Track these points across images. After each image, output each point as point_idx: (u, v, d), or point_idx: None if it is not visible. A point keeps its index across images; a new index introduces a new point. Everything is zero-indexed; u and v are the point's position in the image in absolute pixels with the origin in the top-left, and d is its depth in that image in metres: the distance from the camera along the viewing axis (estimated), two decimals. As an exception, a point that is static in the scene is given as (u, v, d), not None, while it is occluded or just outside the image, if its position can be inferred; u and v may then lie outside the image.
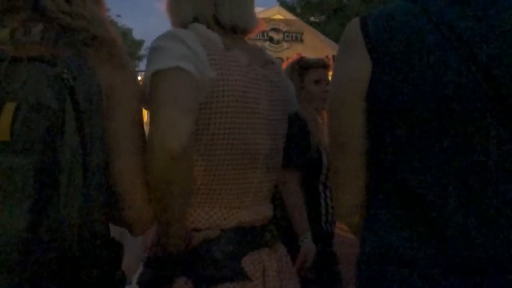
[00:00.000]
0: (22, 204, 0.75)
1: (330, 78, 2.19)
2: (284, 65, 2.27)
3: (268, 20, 12.59)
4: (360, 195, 0.94)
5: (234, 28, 1.13)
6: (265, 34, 12.51)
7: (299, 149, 2.04)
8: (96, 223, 0.84)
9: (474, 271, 0.79)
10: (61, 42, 0.83)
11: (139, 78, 1.00)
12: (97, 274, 0.84)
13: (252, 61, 1.11)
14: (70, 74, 0.80)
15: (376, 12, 0.92)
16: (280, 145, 1.20)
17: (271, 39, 12.54)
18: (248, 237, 1.09)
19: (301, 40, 12.88)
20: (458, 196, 0.81)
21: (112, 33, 0.91)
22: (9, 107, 0.76)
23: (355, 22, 0.92)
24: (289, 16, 13.97)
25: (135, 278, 1.18)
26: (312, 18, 20.62)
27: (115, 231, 0.95)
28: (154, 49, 1.01)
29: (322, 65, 2.31)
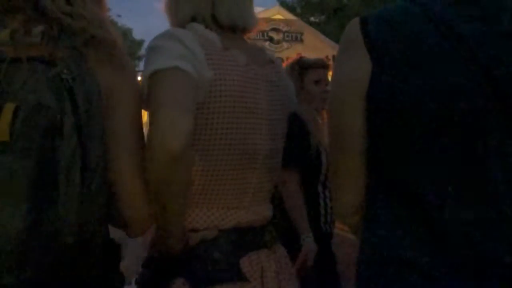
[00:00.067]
0: (21, 205, 0.75)
1: (330, 78, 2.19)
2: (284, 65, 2.27)
3: (268, 20, 12.58)
4: (360, 195, 0.94)
5: (233, 27, 1.13)
6: (265, 34, 12.50)
7: (299, 149, 2.04)
8: (96, 224, 0.84)
9: (474, 271, 0.79)
10: (61, 43, 0.83)
11: (139, 78, 1.00)
12: (96, 275, 0.84)
13: (251, 61, 1.11)
14: (70, 74, 0.80)
15: (376, 12, 0.92)
16: (280, 145, 1.19)
17: (271, 39, 12.53)
18: (246, 238, 1.09)
19: (301, 40, 12.88)
20: (458, 196, 0.81)
21: (112, 33, 0.91)
22: (9, 107, 0.76)
23: (355, 22, 0.92)
24: (289, 16, 13.97)
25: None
26: (312, 18, 20.61)
27: (117, 231, 0.95)
28: (152, 49, 1.01)
29: (321, 65, 2.31)
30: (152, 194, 0.93)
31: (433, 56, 0.81)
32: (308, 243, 2.00)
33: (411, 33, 0.84)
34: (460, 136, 0.80)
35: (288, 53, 10.70)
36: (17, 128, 0.76)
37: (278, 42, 12.71)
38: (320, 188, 2.15)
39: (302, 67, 2.25)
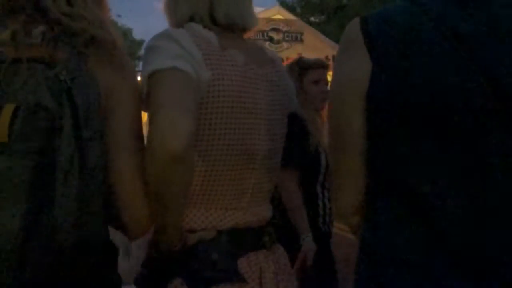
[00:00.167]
0: (19, 205, 0.75)
1: (329, 78, 2.20)
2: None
3: (268, 20, 12.57)
4: (360, 195, 0.94)
5: (231, 26, 1.12)
6: (265, 34, 12.49)
7: (299, 149, 2.04)
8: (95, 224, 0.84)
9: (474, 271, 0.78)
10: (61, 44, 0.83)
11: (139, 78, 1.00)
12: (95, 276, 0.84)
13: (250, 61, 1.10)
14: (68, 75, 0.80)
15: (376, 12, 0.92)
16: (279, 146, 1.19)
17: (271, 39, 12.52)
18: (245, 239, 1.08)
19: (301, 40, 12.87)
20: (458, 196, 0.81)
21: (112, 34, 0.91)
22: (8, 108, 0.76)
23: (355, 22, 0.91)
24: (289, 16, 13.95)
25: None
26: (312, 18, 20.60)
27: (117, 234, 0.95)
28: (150, 49, 1.01)
29: (321, 65, 2.31)
30: (152, 194, 0.93)
31: (433, 56, 0.81)
32: (308, 243, 2.01)
33: (411, 33, 0.84)
34: (460, 136, 0.80)
35: (288, 53, 10.70)
36: (16, 129, 0.76)
37: (278, 42, 12.70)
38: (319, 189, 2.15)
39: (301, 67, 2.25)
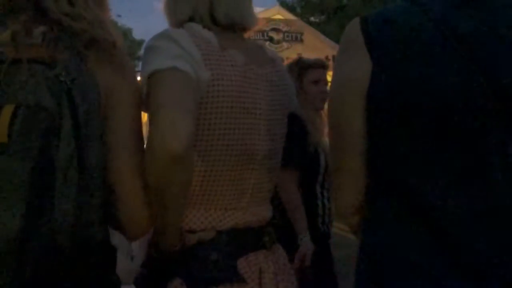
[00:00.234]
0: (19, 205, 0.75)
1: (329, 78, 2.20)
2: (283, 66, 2.27)
3: (268, 20, 12.57)
4: (360, 195, 0.94)
5: (231, 26, 1.12)
6: (265, 34, 12.49)
7: (299, 149, 2.04)
8: (95, 224, 0.84)
9: (474, 271, 0.78)
10: (61, 44, 0.83)
11: (139, 78, 1.00)
12: (95, 276, 0.84)
13: (250, 61, 1.10)
14: (68, 76, 0.80)
15: (376, 12, 0.92)
16: (279, 146, 1.18)
17: (271, 39, 12.51)
18: (244, 239, 1.08)
19: (301, 40, 12.87)
20: (458, 196, 0.81)
21: (113, 35, 0.91)
22: (8, 109, 0.76)
23: (356, 22, 0.92)
24: (289, 16, 13.95)
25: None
26: (312, 18, 20.59)
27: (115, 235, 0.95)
28: (149, 49, 1.01)
29: (321, 65, 2.31)
30: (152, 194, 0.93)
31: (433, 56, 0.81)
32: (306, 243, 2.00)
33: (411, 33, 0.84)
34: (460, 136, 0.80)
35: (288, 53, 10.69)
36: (16, 129, 0.76)
37: (278, 42, 12.70)
38: (318, 189, 2.15)
39: (301, 67, 2.25)
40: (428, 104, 0.81)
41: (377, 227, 0.88)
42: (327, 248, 2.21)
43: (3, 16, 0.85)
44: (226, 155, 1.05)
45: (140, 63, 1.08)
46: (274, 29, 12.79)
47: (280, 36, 12.83)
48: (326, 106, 1.51)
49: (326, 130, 1.98)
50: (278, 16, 13.36)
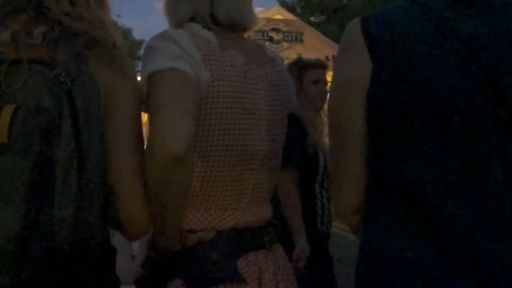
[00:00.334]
0: (19, 205, 0.75)
1: (329, 78, 2.20)
2: (283, 66, 2.27)
3: (268, 20, 12.58)
4: (360, 195, 0.94)
5: (232, 25, 1.12)
6: (265, 34, 12.50)
7: (298, 149, 2.04)
8: (95, 224, 0.84)
9: (474, 271, 0.78)
10: (61, 44, 0.83)
11: (139, 78, 1.00)
12: (95, 276, 0.84)
13: (250, 61, 1.10)
14: (68, 76, 0.80)
15: (376, 12, 0.92)
16: (279, 146, 1.18)
17: (271, 39, 12.52)
18: (244, 239, 1.08)
19: (301, 40, 12.88)
20: (458, 196, 0.81)
21: (113, 35, 0.91)
22: (8, 109, 0.76)
23: (356, 22, 0.92)
24: (289, 16, 13.96)
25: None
26: (312, 18, 20.60)
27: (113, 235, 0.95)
28: (149, 50, 1.01)
29: (320, 65, 2.32)
30: (152, 195, 0.93)
31: (433, 56, 0.81)
32: (301, 244, 2.00)
33: (411, 33, 0.84)
34: (460, 136, 0.80)
35: (288, 53, 10.69)
36: (16, 129, 0.76)
37: (278, 42, 12.71)
38: (317, 189, 2.15)
39: (301, 67, 2.25)
40: (428, 104, 0.81)
41: (377, 227, 0.88)
42: (326, 248, 2.21)
43: (4, 16, 0.85)
44: (226, 155, 1.05)
45: (140, 63, 1.08)
46: (274, 29, 12.80)
47: (280, 36, 12.84)
48: (326, 106, 1.51)
49: (326, 130, 1.98)
50: (278, 16, 13.38)
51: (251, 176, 1.10)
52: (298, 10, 20.69)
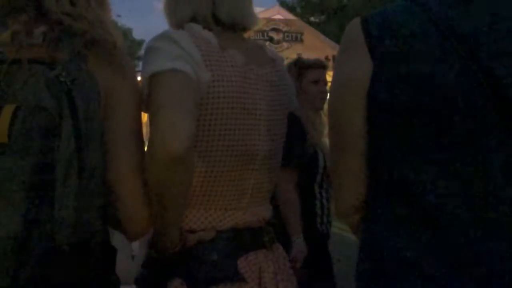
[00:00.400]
0: (18, 205, 0.75)
1: (329, 78, 2.20)
2: (283, 66, 2.27)
3: (268, 20, 12.58)
4: (360, 195, 0.94)
5: (233, 25, 1.12)
6: (265, 34, 12.50)
7: (298, 149, 2.04)
8: (95, 224, 0.84)
9: (474, 271, 0.78)
10: (62, 44, 0.83)
11: (139, 78, 1.00)
12: (95, 276, 0.84)
13: (250, 61, 1.10)
14: (69, 76, 0.80)
15: (376, 12, 0.92)
16: (279, 146, 1.19)
17: (271, 39, 12.52)
18: (244, 239, 1.08)
19: (301, 40, 12.87)
20: (458, 196, 0.81)
21: (113, 35, 0.91)
22: (8, 109, 0.76)
23: (356, 22, 0.92)
24: (289, 16, 13.96)
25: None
26: (312, 18, 20.59)
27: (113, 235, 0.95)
28: (149, 50, 1.01)
29: (320, 65, 2.32)
30: (152, 195, 0.93)
31: (433, 56, 0.81)
32: (298, 244, 2.00)
33: (411, 33, 0.84)
34: (460, 136, 0.80)
35: (288, 53, 10.68)
36: (16, 129, 0.76)
37: (278, 42, 12.70)
38: (316, 189, 2.15)
39: (300, 67, 2.25)
40: (428, 104, 0.81)
41: (377, 227, 0.88)
42: (325, 248, 2.21)
43: (4, 16, 0.85)
44: (226, 155, 1.05)
45: (140, 63, 1.08)
46: (274, 29, 12.79)
47: (280, 36, 12.84)
48: (326, 106, 1.51)
49: (325, 130, 1.98)
50: (278, 16, 13.37)
51: (251, 176, 1.11)
52: (298, 10, 20.69)
